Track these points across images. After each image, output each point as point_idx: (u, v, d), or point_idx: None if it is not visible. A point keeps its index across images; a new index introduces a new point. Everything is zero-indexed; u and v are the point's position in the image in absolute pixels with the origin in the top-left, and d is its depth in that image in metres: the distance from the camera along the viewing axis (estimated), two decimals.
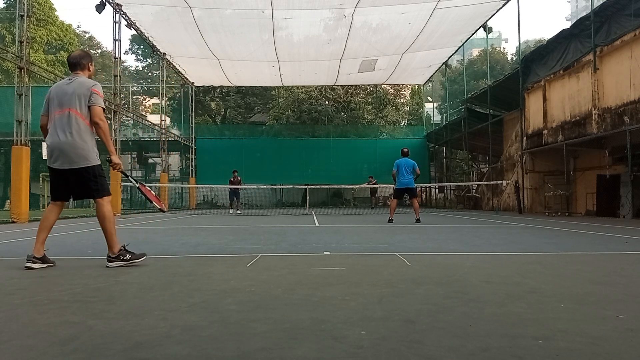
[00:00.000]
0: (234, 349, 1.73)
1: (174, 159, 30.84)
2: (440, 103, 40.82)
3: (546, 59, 15.00)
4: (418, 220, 9.73)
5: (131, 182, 4.91)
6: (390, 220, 9.85)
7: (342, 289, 2.83)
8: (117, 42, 16.10)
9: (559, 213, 13.55)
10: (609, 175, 12.23)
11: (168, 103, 31.71)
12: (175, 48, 19.36)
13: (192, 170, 25.43)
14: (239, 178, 18.31)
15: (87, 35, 44.84)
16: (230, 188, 18.27)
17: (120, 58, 17.02)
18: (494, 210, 16.72)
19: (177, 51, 19.78)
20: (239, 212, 17.57)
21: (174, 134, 25.57)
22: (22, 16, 11.60)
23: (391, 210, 10.30)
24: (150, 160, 30.04)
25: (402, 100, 33.36)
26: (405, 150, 10.54)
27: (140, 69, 41.15)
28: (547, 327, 1.98)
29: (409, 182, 10.03)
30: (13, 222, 10.86)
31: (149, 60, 37.79)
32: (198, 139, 26.23)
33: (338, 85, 27.50)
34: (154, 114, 35.46)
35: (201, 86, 28.18)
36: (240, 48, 18.75)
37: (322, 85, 27.60)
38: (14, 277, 3.38)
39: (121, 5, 15.50)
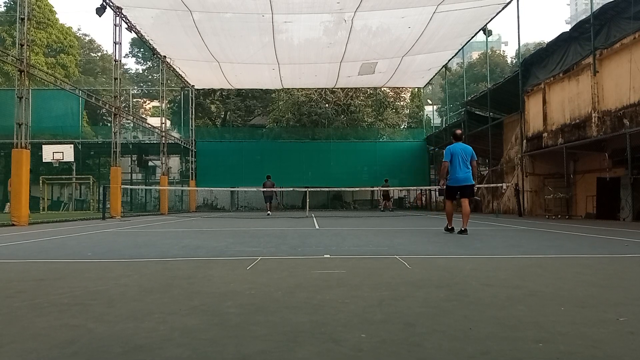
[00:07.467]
0: (233, 352, 1.73)
1: (174, 161, 30.87)
2: (440, 106, 40.82)
3: (546, 62, 15.02)
4: (464, 231, 7.06)
5: None
6: (450, 229, 7.45)
7: (342, 291, 2.82)
8: (117, 45, 16.14)
9: (559, 216, 13.54)
10: (609, 178, 12.24)
11: (168, 106, 31.73)
12: (175, 51, 19.40)
13: (192, 173, 25.45)
14: None
15: (87, 38, 44.96)
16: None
17: (120, 61, 17.05)
18: (494, 213, 16.70)
19: (177, 54, 19.83)
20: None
21: (174, 137, 25.57)
22: (22, 19, 11.62)
23: (448, 217, 7.61)
24: (150, 163, 30.05)
25: (402, 103, 33.40)
26: (459, 132, 7.68)
27: (141, 71, 41.24)
28: (547, 330, 1.98)
29: (467, 177, 7.29)
30: (13, 224, 10.86)
31: (149, 63, 37.86)
32: (198, 142, 26.26)
33: (338, 88, 27.53)
34: (154, 116, 35.52)
35: (201, 89, 28.23)
36: (240, 51, 18.79)
37: (322, 88, 27.64)
38: (14, 279, 3.38)
39: (121, 9, 15.55)
